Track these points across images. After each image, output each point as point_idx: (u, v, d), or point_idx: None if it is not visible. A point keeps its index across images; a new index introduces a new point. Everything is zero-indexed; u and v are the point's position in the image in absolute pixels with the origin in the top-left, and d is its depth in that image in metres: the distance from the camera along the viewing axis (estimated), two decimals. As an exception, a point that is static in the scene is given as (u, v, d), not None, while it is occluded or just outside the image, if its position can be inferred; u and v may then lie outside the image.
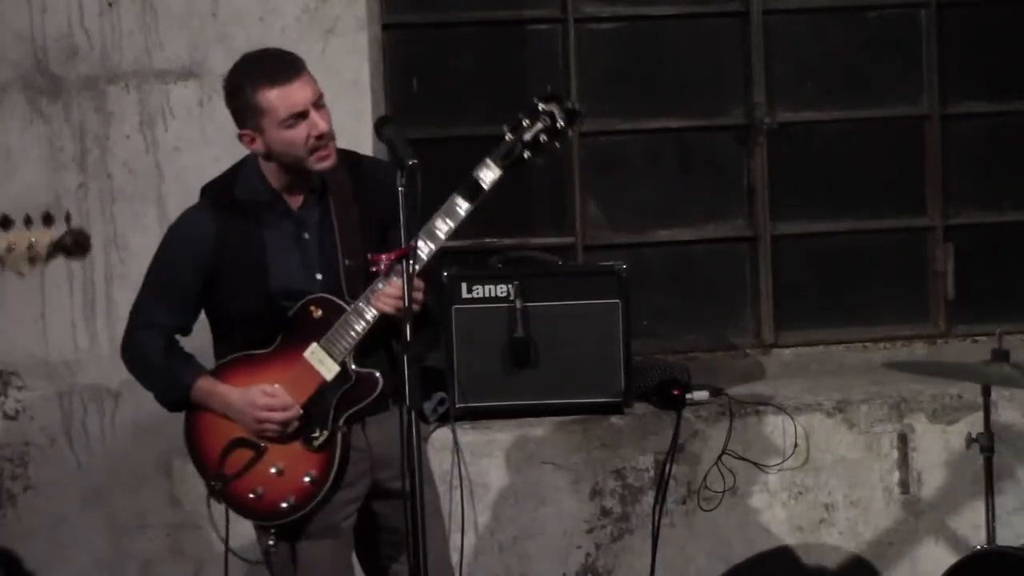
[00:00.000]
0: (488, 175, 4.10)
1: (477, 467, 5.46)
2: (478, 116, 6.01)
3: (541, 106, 4.14)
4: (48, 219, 3.94)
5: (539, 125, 4.13)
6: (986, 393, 4.92)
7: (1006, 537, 5.41)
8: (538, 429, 5.53)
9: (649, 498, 5.53)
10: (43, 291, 5.52)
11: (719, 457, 5.53)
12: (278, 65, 4.10)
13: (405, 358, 3.83)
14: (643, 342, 5.94)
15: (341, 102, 5.37)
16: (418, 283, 4.02)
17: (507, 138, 4.13)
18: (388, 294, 4.04)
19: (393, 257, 3.92)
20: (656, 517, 5.50)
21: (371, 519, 4.27)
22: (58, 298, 5.53)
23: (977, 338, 6.13)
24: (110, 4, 5.51)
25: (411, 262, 3.88)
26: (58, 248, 3.94)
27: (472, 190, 4.10)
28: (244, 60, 4.18)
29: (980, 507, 4.97)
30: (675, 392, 5.58)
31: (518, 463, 5.51)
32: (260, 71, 4.09)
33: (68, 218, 3.97)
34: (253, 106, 4.08)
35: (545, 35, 6.11)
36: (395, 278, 4.01)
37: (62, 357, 5.55)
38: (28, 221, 3.94)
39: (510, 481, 5.50)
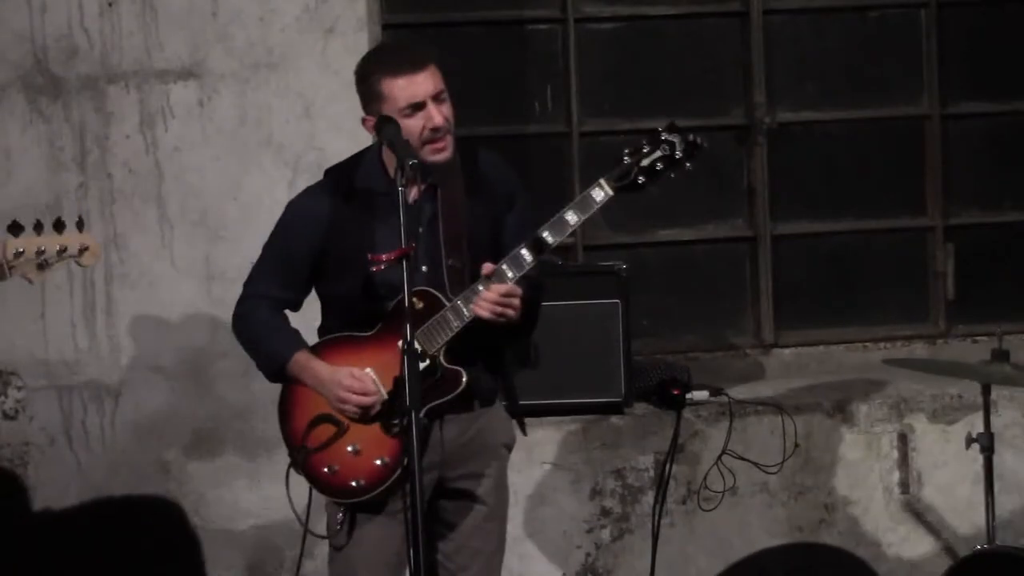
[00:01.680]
0: (600, 194, 4.15)
1: (477, 467, 5.45)
2: (478, 116, 6.01)
3: (664, 135, 4.17)
4: (59, 225, 3.93)
5: (658, 153, 4.15)
6: (986, 393, 4.92)
7: (1006, 537, 5.41)
8: (538, 429, 5.53)
9: (649, 498, 5.53)
10: (43, 291, 5.51)
11: (719, 457, 5.53)
12: (405, 56, 4.18)
13: (406, 359, 3.86)
14: (643, 342, 5.94)
15: (341, 102, 5.38)
16: (515, 290, 4.08)
17: (625, 161, 4.16)
18: (486, 299, 4.08)
19: (393, 257, 3.93)
20: (656, 517, 5.50)
21: (432, 515, 4.28)
22: (58, 298, 5.53)
23: (977, 338, 6.14)
24: (110, 4, 5.51)
25: (412, 262, 3.92)
26: (68, 256, 3.93)
27: (582, 207, 4.15)
28: (378, 47, 4.36)
29: (980, 507, 4.97)
30: (675, 392, 5.58)
31: (518, 463, 5.49)
32: (389, 59, 4.19)
33: (80, 224, 3.96)
34: (376, 92, 4.15)
35: (545, 35, 6.11)
36: (496, 283, 4.07)
37: (62, 357, 5.54)
38: (38, 227, 3.92)
39: (510, 481, 5.48)
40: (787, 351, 6.20)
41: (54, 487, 5.56)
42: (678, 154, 4.15)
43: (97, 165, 5.53)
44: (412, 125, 4.11)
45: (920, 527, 5.64)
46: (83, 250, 3.98)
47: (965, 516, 5.60)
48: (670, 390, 5.59)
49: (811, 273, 6.25)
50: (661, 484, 5.51)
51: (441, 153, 4.15)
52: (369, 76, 4.18)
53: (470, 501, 4.28)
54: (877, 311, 6.26)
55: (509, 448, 4.41)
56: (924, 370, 5.50)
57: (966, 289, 6.24)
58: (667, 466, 5.51)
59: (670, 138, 4.16)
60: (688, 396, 5.60)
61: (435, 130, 4.12)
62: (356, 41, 5.55)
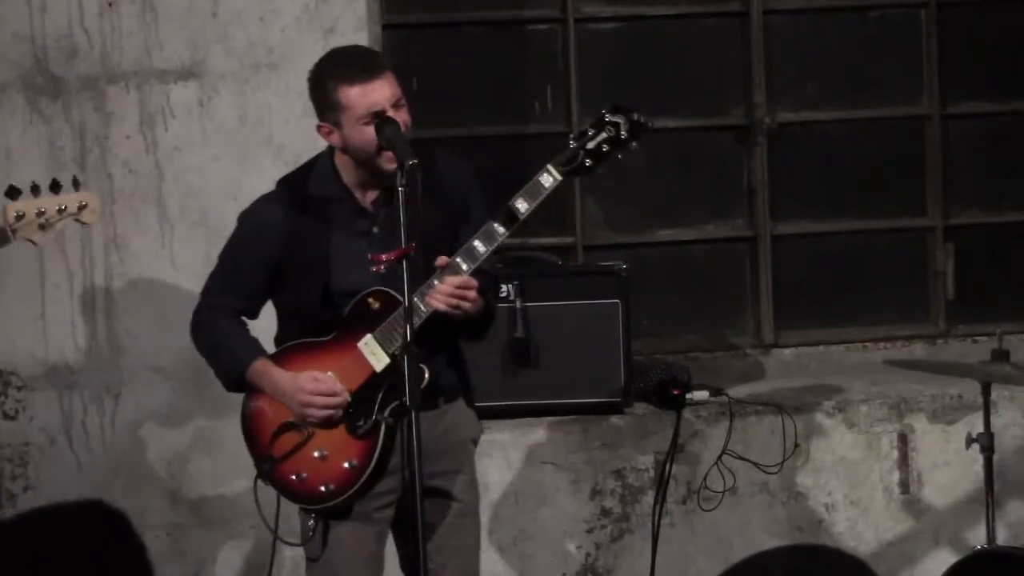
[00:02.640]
0: (548, 180, 4.14)
1: (477, 467, 5.44)
2: (478, 116, 6.01)
3: (608, 116, 4.17)
4: (55, 186, 3.94)
5: (603, 135, 4.16)
6: (986, 393, 4.92)
7: (1006, 537, 5.41)
8: (538, 429, 5.53)
9: (649, 498, 5.53)
10: (43, 291, 5.52)
11: (719, 457, 5.53)
12: (362, 63, 4.16)
13: (406, 358, 3.86)
14: (643, 342, 5.94)
15: (341, 102, 5.38)
16: (470, 282, 4.08)
17: (571, 145, 4.17)
18: (441, 291, 4.07)
19: (393, 257, 3.93)
20: (656, 517, 5.50)
21: (405, 516, 4.28)
22: (58, 298, 5.53)
23: (977, 338, 6.14)
24: (110, 4, 5.51)
25: (417, 263, 3.93)
26: (68, 214, 3.94)
27: (531, 194, 4.13)
28: (331, 54, 4.26)
29: (980, 507, 4.97)
30: (675, 392, 5.58)
31: (518, 463, 5.51)
32: (344, 68, 4.15)
33: (76, 183, 3.97)
34: (333, 101, 4.13)
35: (545, 35, 6.11)
36: (450, 276, 4.07)
37: (62, 357, 5.54)
38: (35, 189, 3.93)
39: (510, 481, 5.50)
40: (787, 351, 6.20)
41: (54, 487, 5.56)
42: (623, 135, 4.15)
43: (97, 165, 5.53)
44: (371, 133, 4.10)
45: (920, 527, 5.64)
46: (82, 207, 3.99)
47: (965, 516, 5.60)
48: (670, 390, 5.59)
49: (811, 273, 6.25)
50: (661, 484, 5.51)
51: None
52: (324, 84, 4.15)
53: (444, 499, 4.27)
54: (877, 311, 6.26)
55: (475, 442, 4.42)
56: (924, 370, 5.50)
57: (966, 289, 6.24)
58: (667, 466, 5.51)
59: (614, 119, 4.16)
60: (688, 396, 5.60)
61: None
62: (356, 41, 5.54)
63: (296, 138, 5.52)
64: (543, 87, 6.10)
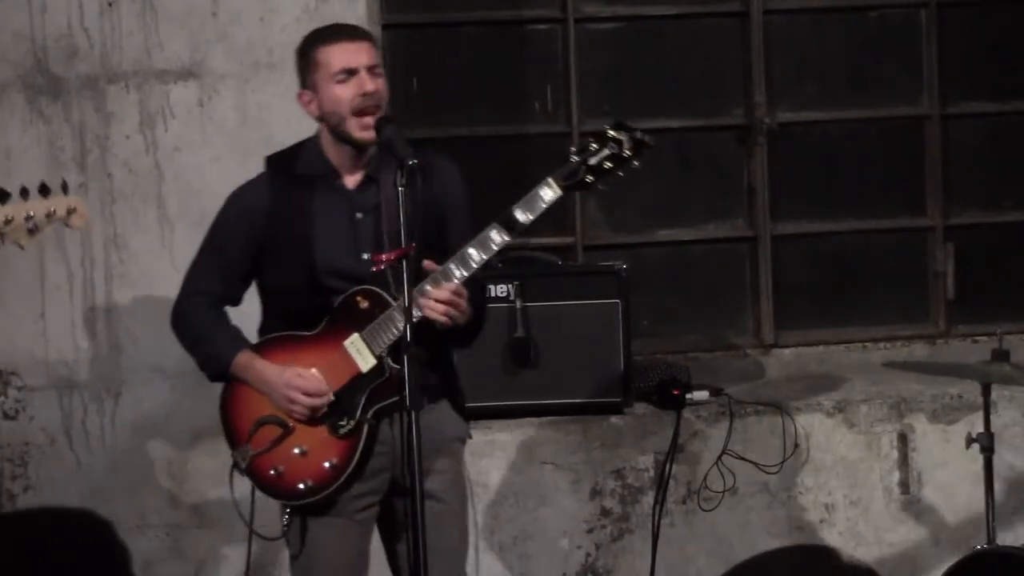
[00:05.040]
0: (548, 193, 4.09)
1: (477, 467, 5.45)
2: (478, 116, 6.01)
3: (611, 133, 4.12)
4: (44, 190, 3.94)
5: (606, 151, 4.10)
6: (986, 393, 4.92)
7: (1006, 537, 5.41)
8: (538, 429, 5.53)
9: (649, 498, 5.53)
10: (43, 291, 5.52)
11: (719, 457, 5.53)
12: (344, 29, 4.24)
13: (405, 359, 3.83)
14: (643, 342, 5.94)
15: (341, 102, 5.38)
16: (461, 290, 4.05)
17: (572, 159, 4.11)
18: (435, 298, 4.03)
19: (393, 257, 3.91)
20: (656, 517, 5.50)
21: (392, 516, 4.27)
22: (58, 298, 5.53)
23: (977, 338, 6.14)
24: (110, 4, 5.51)
25: (413, 263, 3.89)
26: (56, 218, 3.94)
27: (530, 206, 4.08)
28: (317, 28, 4.31)
29: (980, 507, 4.98)
30: (675, 392, 5.58)
31: (518, 463, 5.51)
32: (326, 32, 4.23)
33: (65, 187, 3.97)
34: (313, 62, 4.16)
35: (545, 35, 6.11)
36: (444, 282, 4.04)
37: (62, 357, 5.55)
38: (24, 193, 3.93)
39: (510, 481, 5.50)
40: (787, 351, 6.20)
41: (54, 487, 5.56)
42: (626, 153, 4.10)
43: (97, 165, 5.53)
44: (343, 92, 4.11)
45: (920, 527, 5.64)
46: (71, 211, 3.99)
47: (965, 516, 5.60)
48: (670, 390, 5.60)
49: (811, 273, 6.25)
50: (661, 484, 5.52)
51: (369, 131, 4.12)
52: (308, 50, 4.19)
53: (427, 499, 4.13)
54: (877, 311, 6.26)
55: (463, 442, 4.37)
56: (924, 370, 5.50)
57: (966, 289, 6.24)
58: (667, 466, 5.51)
59: (618, 136, 4.11)
60: (688, 396, 5.60)
61: (366, 95, 4.09)
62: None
63: (296, 138, 5.49)
64: (543, 87, 6.11)
